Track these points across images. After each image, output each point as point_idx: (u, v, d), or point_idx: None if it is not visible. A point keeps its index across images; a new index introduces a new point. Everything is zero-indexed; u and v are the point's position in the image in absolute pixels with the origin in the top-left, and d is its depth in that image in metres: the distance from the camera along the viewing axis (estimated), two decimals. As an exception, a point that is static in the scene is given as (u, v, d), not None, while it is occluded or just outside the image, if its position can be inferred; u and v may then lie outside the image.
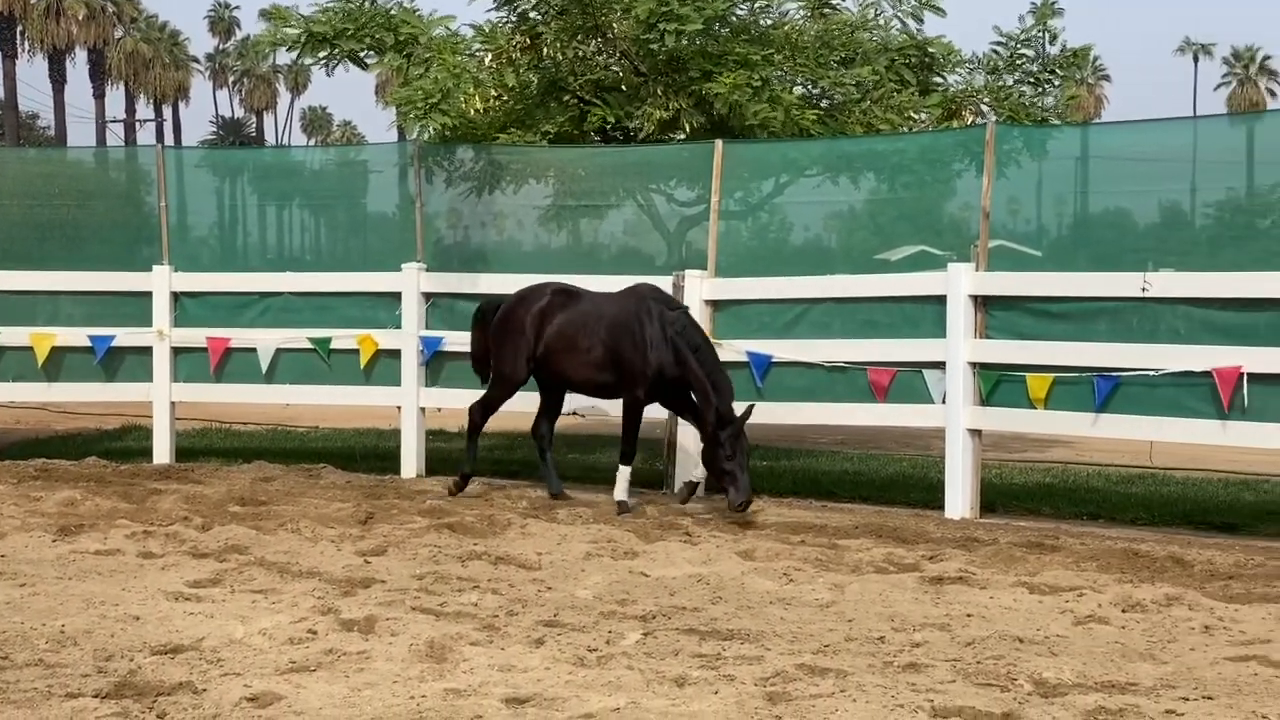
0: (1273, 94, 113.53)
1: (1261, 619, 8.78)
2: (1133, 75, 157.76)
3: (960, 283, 12.60)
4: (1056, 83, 17.01)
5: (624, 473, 12.79)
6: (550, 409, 13.64)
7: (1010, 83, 16.68)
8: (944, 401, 12.72)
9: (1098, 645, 8.15)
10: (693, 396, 12.69)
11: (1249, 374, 11.24)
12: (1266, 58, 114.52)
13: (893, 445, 17.74)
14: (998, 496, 13.50)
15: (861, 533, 11.74)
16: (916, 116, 16.55)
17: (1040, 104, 16.94)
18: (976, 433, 12.79)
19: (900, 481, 14.87)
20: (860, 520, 12.41)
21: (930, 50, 16.96)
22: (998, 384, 12.55)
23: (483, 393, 13.76)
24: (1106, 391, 11.90)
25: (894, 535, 11.63)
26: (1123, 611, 9.00)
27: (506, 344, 13.35)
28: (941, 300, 12.71)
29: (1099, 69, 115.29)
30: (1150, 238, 13.78)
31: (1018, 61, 16.75)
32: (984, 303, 12.68)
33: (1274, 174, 13.02)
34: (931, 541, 11.37)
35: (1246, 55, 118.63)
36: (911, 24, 17.00)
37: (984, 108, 16.53)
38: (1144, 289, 11.74)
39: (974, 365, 12.62)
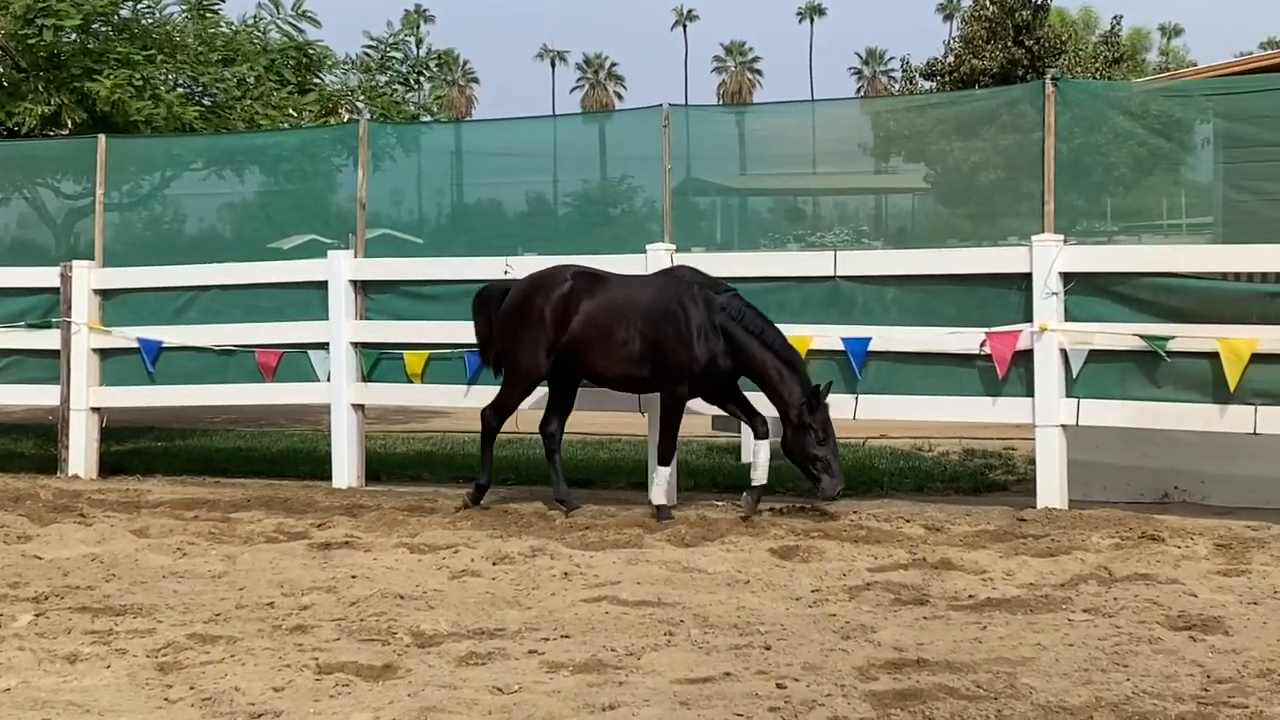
0: (619, 97, 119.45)
1: (613, 563, 9.20)
2: (499, 78, 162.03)
3: (340, 269, 12.61)
4: (426, 83, 17.29)
5: (663, 474, 10.80)
6: (562, 405, 11.40)
7: (383, 82, 16.85)
8: (329, 379, 12.69)
9: (471, 597, 8.32)
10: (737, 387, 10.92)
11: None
12: (613, 65, 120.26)
13: (284, 422, 17.57)
14: (382, 466, 13.58)
15: (253, 505, 11.57)
16: (296, 113, 16.45)
17: (412, 102, 17.17)
18: (360, 407, 12.83)
19: (291, 456, 14.74)
20: (252, 494, 12.22)
21: (308, 52, 16.90)
22: (378, 362, 12.64)
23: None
24: (477, 365, 12.16)
25: (285, 506, 11.51)
26: (494, 564, 9.22)
27: (522, 335, 11.05)
28: (324, 285, 12.67)
29: (469, 71, 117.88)
30: (519, 225, 14.17)
31: (388, 63, 16.93)
32: (364, 287, 12.73)
33: (622, 168, 13.63)
34: (320, 510, 11.31)
35: (596, 62, 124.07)
36: (290, 29, 16.88)
37: (359, 105, 16.62)
38: (506, 271, 12.08)
39: (356, 345, 12.65)
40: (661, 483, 10.79)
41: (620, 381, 11.10)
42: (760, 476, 10.60)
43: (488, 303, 11.41)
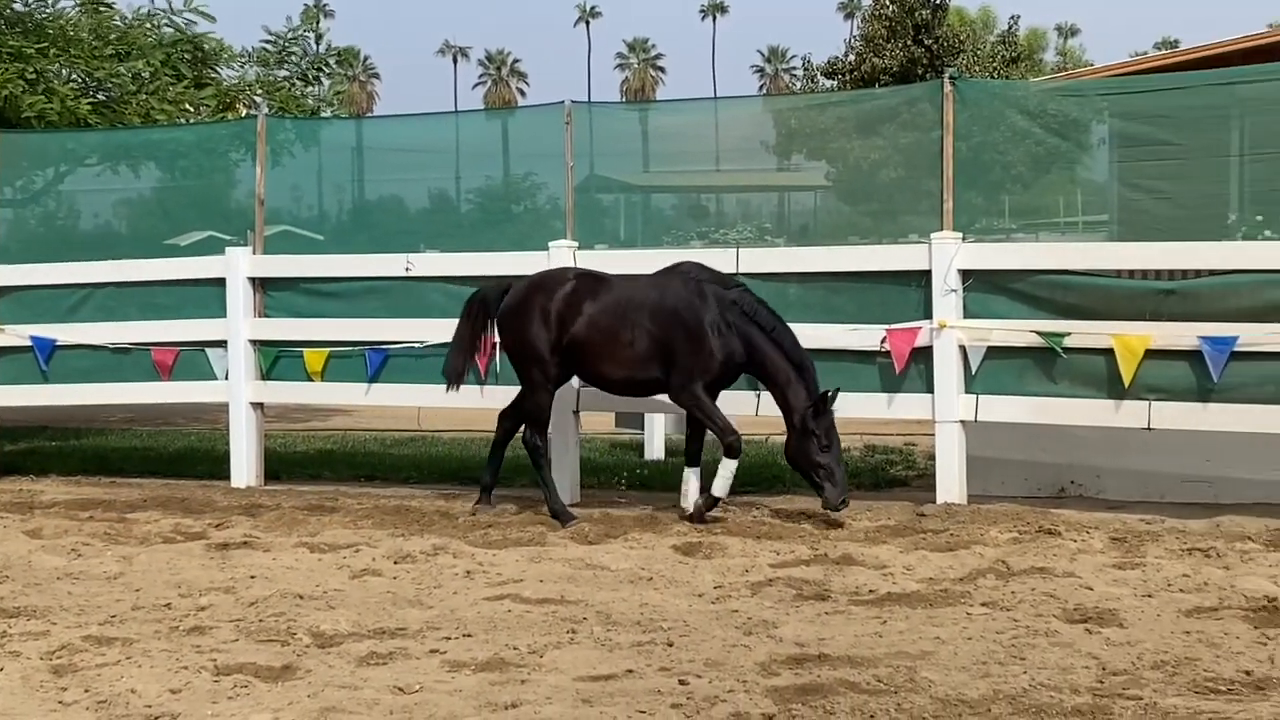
0: (522, 93, 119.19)
1: (516, 561, 9.18)
2: (401, 73, 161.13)
3: (239, 266, 12.49)
4: (325, 79, 17.18)
5: (730, 465, 10.26)
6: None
7: (281, 77, 16.71)
8: (227, 378, 12.56)
9: (371, 596, 8.27)
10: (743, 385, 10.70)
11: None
12: (516, 61, 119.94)
13: (182, 421, 17.38)
14: (282, 465, 13.46)
15: (150, 505, 11.44)
16: (192, 108, 16.27)
17: (311, 97, 17.05)
18: (259, 406, 12.72)
19: (189, 455, 14.58)
20: (149, 494, 12.08)
21: (204, 46, 16.71)
22: (277, 359, 12.54)
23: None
24: (377, 363, 12.10)
25: (182, 506, 11.39)
26: (395, 563, 9.18)
27: (527, 341, 10.61)
28: (223, 283, 12.54)
29: (370, 67, 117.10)
30: (421, 222, 14.12)
31: (286, 58, 16.80)
32: (262, 284, 12.62)
33: (525, 164, 13.60)
34: (218, 510, 11.21)
35: (499, 58, 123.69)
36: (184, 23, 16.70)
37: (257, 100, 16.46)
38: (407, 269, 12.02)
39: (254, 343, 12.54)
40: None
41: (625, 385, 10.72)
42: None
43: (481, 307, 10.93)
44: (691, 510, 10.34)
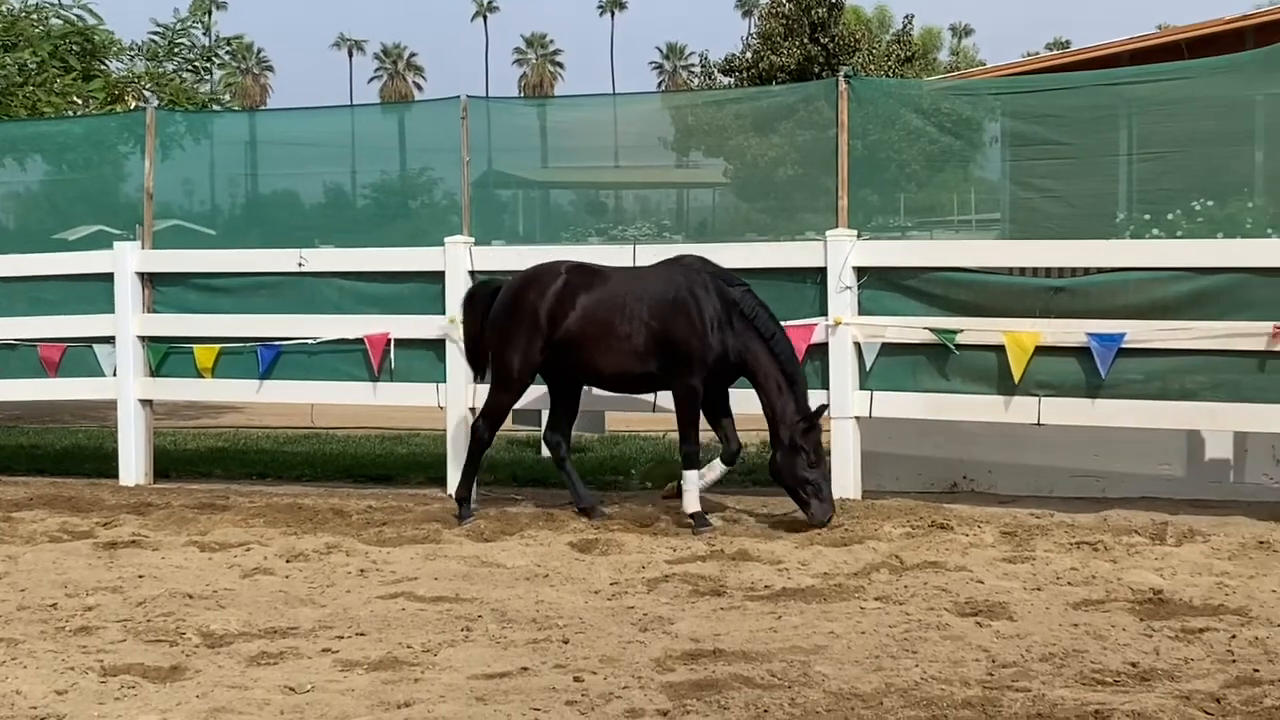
0: (419, 87, 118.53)
1: (410, 559, 9.14)
2: (296, 66, 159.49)
3: (127, 261, 12.32)
4: (217, 71, 16.99)
5: (692, 478, 10.05)
6: (565, 409, 10.72)
7: (170, 70, 16.50)
8: (115, 374, 12.38)
9: (263, 595, 8.19)
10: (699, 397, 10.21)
11: (396, 340, 11.64)
12: (413, 55, 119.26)
13: (69, 418, 17.10)
14: (172, 462, 13.29)
15: (36, 504, 11.25)
16: (81, 101, 16.02)
17: (201, 90, 16.85)
18: (148, 403, 12.55)
19: (76, 453, 14.36)
20: (35, 492, 11.87)
21: (92, 38, 16.46)
22: (167, 355, 12.38)
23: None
24: (269, 360, 11.98)
25: (69, 505, 11.21)
26: (287, 562, 9.10)
27: (513, 334, 10.27)
28: (111, 278, 12.36)
29: (263, 60, 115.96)
30: (317, 217, 13.98)
31: (175, 51, 16.59)
32: (152, 279, 12.45)
33: (422, 159, 13.51)
34: (106, 509, 11.05)
35: (395, 52, 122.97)
36: (72, 15, 16.46)
37: (146, 93, 16.24)
38: (300, 264, 11.91)
39: (143, 339, 12.37)
40: (693, 489, 10.04)
41: (620, 380, 10.43)
42: (710, 477, 10.25)
43: (475, 301, 10.68)
44: (695, 511, 10.03)
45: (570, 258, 10.70)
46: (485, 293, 10.62)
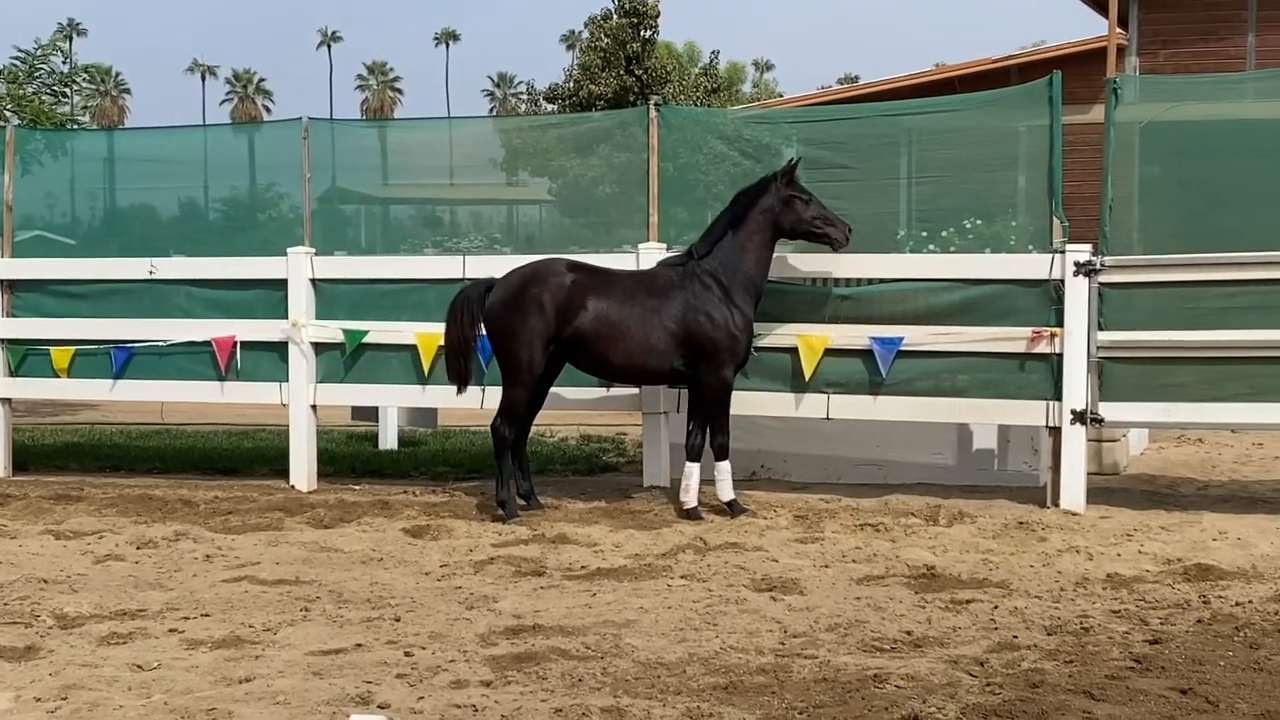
0: (268, 110, 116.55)
1: (254, 545, 8.96)
2: (152, 89, 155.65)
3: (-16, 268, 11.90)
4: (75, 94, 16.50)
5: (726, 468, 9.76)
6: (532, 404, 10.08)
7: (31, 92, 15.99)
8: (-26, 374, 11.96)
9: (114, 580, 7.97)
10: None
11: (242, 342, 11.42)
12: (262, 80, 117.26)
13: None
14: (30, 456, 12.85)
15: (-104, 498, 10.78)
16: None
17: (61, 110, 16.36)
18: (7, 401, 12.15)
19: (-64, 449, 13.77)
20: (-105, 486, 11.39)
21: (-48, 60, 15.90)
22: (25, 357, 11.99)
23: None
24: (123, 361, 11.66)
25: (-72, 498, 10.77)
26: (137, 549, 8.87)
27: (519, 332, 9.64)
28: (-31, 285, 11.94)
29: (121, 83, 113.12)
30: (171, 228, 13.64)
31: (35, 75, 16.10)
32: (11, 286, 12.05)
33: (270, 175, 13.26)
34: (-35, 501, 10.64)
35: (245, 77, 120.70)
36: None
37: (8, 113, 15.72)
38: (151, 272, 11.63)
39: (2, 341, 11.96)
40: (728, 479, 9.78)
41: (637, 373, 9.91)
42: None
43: (466, 304, 9.93)
44: (692, 505, 9.76)
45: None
46: (477, 293, 9.96)
